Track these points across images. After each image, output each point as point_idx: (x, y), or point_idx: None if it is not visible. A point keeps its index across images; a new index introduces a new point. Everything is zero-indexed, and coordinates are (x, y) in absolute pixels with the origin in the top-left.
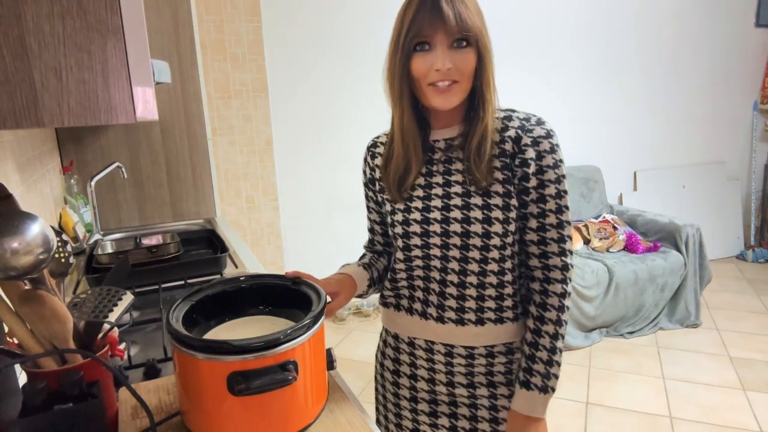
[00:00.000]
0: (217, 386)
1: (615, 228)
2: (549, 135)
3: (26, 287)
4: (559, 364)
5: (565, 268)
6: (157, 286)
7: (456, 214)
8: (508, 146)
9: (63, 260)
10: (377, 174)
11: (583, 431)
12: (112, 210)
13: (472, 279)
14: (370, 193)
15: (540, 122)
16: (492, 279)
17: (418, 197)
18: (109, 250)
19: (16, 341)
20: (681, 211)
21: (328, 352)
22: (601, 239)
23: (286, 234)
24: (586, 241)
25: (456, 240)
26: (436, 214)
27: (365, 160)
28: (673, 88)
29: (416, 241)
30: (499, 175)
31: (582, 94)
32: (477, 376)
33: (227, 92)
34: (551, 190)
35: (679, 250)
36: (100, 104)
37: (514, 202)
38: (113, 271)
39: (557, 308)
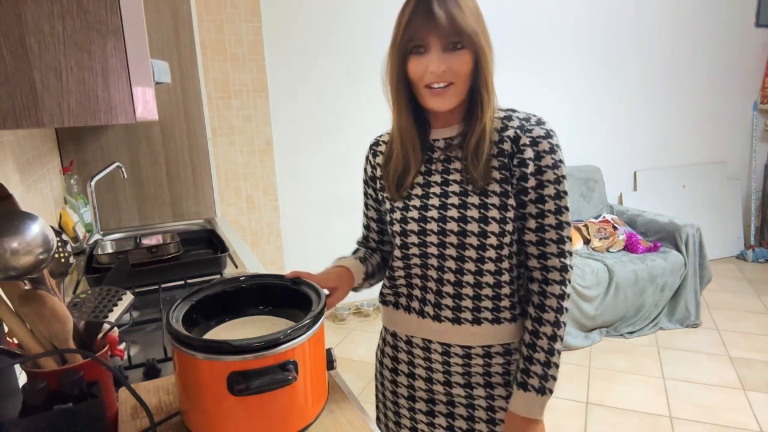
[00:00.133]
0: (217, 386)
1: (615, 228)
2: (548, 135)
3: (26, 287)
4: (557, 366)
5: (564, 269)
6: (157, 286)
7: (453, 212)
8: (507, 146)
9: (63, 260)
10: (378, 172)
11: (583, 431)
12: (112, 210)
13: (469, 278)
14: (370, 191)
15: (540, 122)
16: (489, 279)
17: (416, 196)
18: (109, 250)
19: (16, 341)
20: (681, 211)
21: (328, 352)
22: (601, 239)
23: (286, 234)
24: (586, 241)
25: (453, 239)
26: (433, 213)
27: (367, 158)
28: (673, 88)
29: (413, 239)
30: (497, 174)
31: (582, 94)
32: (474, 376)
33: (227, 92)
34: (550, 190)
35: (679, 250)
36: (100, 104)
37: (511, 201)
38: (113, 271)
39: (555, 309)
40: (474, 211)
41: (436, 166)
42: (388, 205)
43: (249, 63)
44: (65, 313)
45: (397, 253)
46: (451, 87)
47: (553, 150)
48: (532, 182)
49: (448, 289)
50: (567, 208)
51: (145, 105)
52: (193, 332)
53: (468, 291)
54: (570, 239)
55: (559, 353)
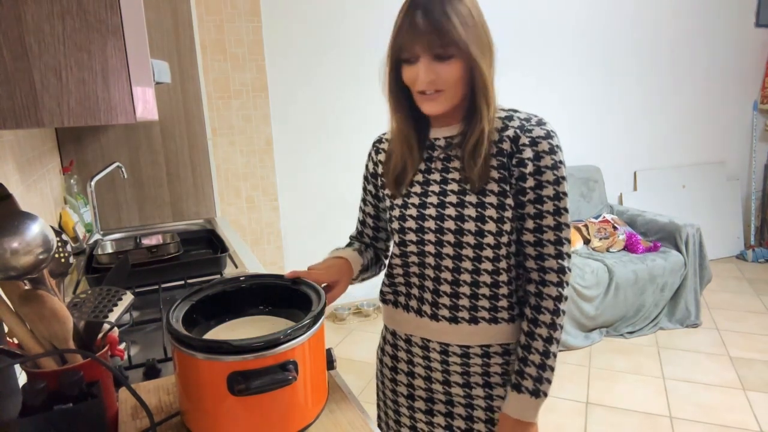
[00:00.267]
0: (217, 386)
1: (615, 228)
2: (549, 136)
3: (26, 287)
4: (552, 369)
5: (562, 270)
6: (157, 286)
7: (450, 211)
8: (506, 145)
9: (63, 260)
10: (380, 169)
11: (583, 431)
12: (112, 210)
13: (466, 277)
14: (370, 186)
15: (540, 123)
16: (486, 278)
17: (415, 193)
18: (109, 250)
19: (16, 341)
20: (681, 211)
21: (328, 352)
22: (601, 239)
23: (286, 234)
24: (586, 241)
25: (450, 237)
26: (431, 211)
27: (370, 155)
28: (673, 88)
29: (411, 236)
30: (495, 174)
31: (582, 94)
32: (473, 376)
33: (227, 92)
34: (549, 191)
35: (679, 250)
36: (100, 104)
37: (509, 201)
38: (113, 271)
39: (552, 311)
40: (471, 210)
41: (436, 164)
42: (387, 203)
43: (249, 63)
44: (65, 313)
45: (395, 250)
46: (441, 93)
47: (552, 151)
48: (530, 182)
49: (446, 288)
50: (566, 210)
51: (145, 105)
52: (193, 332)
53: (465, 290)
54: (569, 241)
55: (555, 356)
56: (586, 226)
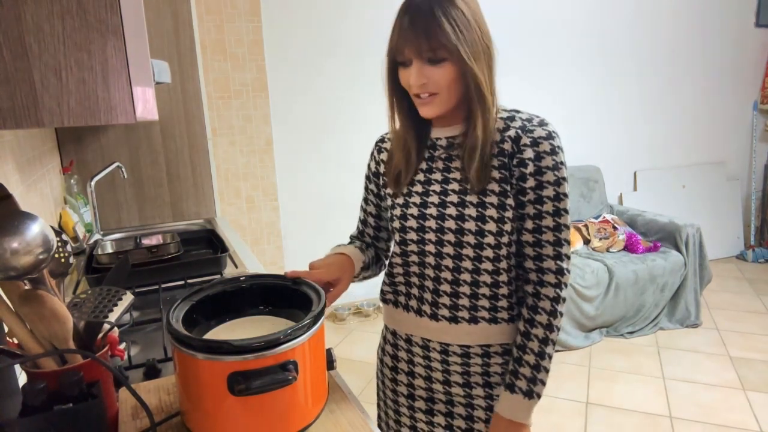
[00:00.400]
0: (218, 386)
1: (615, 228)
2: (550, 136)
3: (26, 287)
4: (547, 371)
5: (560, 272)
6: (157, 286)
7: (451, 210)
8: (507, 146)
9: (63, 260)
10: (382, 168)
11: (583, 431)
12: (112, 210)
13: (466, 277)
14: (372, 186)
15: (542, 123)
16: (486, 278)
17: (417, 193)
18: (109, 250)
19: (16, 341)
20: (681, 211)
21: (328, 352)
22: (601, 239)
23: (286, 234)
24: (586, 241)
25: (450, 237)
26: (432, 210)
27: (372, 154)
28: (673, 88)
29: (412, 235)
30: (496, 174)
31: (582, 95)
32: (473, 376)
33: (227, 92)
34: (549, 191)
35: (679, 250)
36: (100, 104)
37: (510, 201)
38: (113, 271)
39: (549, 312)
40: (472, 209)
41: (438, 164)
42: (389, 202)
43: (249, 63)
44: (65, 313)
45: (396, 249)
46: (435, 97)
47: (554, 151)
48: (531, 182)
49: (446, 287)
50: (566, 211)
51: (145, 105)
52: (193, 332)
53: (465, 290)
54: (568, 242)
55: (550, 357)
56: (586, 226)
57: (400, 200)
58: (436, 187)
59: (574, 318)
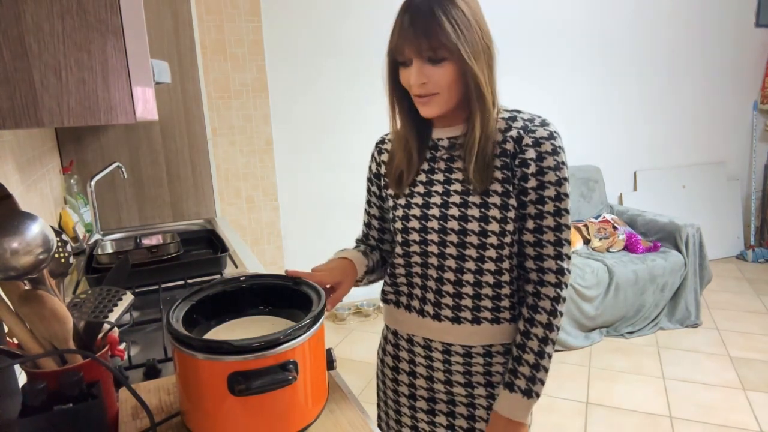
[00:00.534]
0: (218, 386)
1: (615, 228)
2: (552, 137)
3: (26, 287)
4: (546, 370)
5: (560, 272)
6: (157, 286)
7: (454, 211)
8: (509, 146)
9: (63, 260)
10: (383, 170)
11: (583, 431)
12: (112, 210)
13: (469, 277)
14: (374, 188)
15: (544, 123)
16: (489, 278)
17: (419, 193)
18: (109, 250)
19: (16, 341)
20: (681, 211)
21: (328, 352)
22: (601, 239)
23: (286, 234)
24: (586, 241)
25: (453, 237)
26: (434, 211)
27: (373, 155)
28: (673, 88)
29: (414, 236)
30: (498, 174)
31: (582, 95)
32: (475, 376)
33: (227, 92)
34: (551, 191)
35: (679, 250)
36: (99, 104)
37: (512, 202)
38: (113, 271)
39: (549, 312)
40: (475, 210)
41: (440, 165)
42: (391, 203)
43: (249, 63)
44: (65, 313)
45: (398, 250)
46: (435, 97)
47: (555, 151)
48: (532, 183)
49: (448, 288)
50: (567, 211)
51: (145, 105)
52: (193, 332)
53: (468, 290)
54: (569, 242)
55: (550, 357)
56: (586, 226)
57: (402, 201)
58: (438, 188)
59: (574, 318)
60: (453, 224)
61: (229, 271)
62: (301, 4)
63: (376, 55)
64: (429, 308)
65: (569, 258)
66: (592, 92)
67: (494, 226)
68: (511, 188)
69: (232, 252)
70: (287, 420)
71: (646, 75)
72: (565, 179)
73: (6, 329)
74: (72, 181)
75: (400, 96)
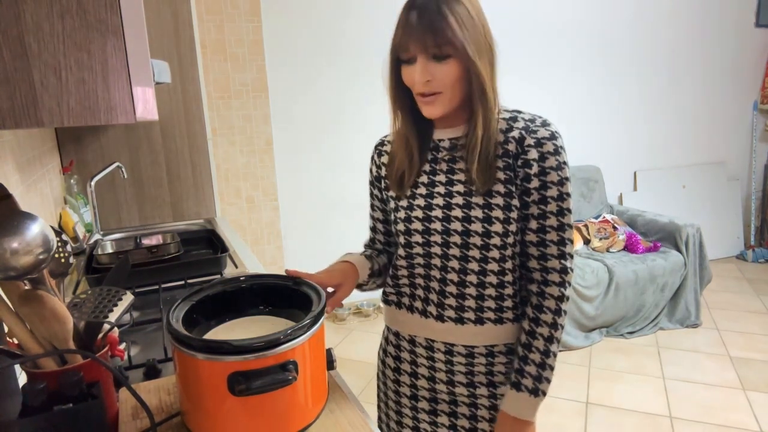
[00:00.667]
0: (218, 386)
1: (615, 228)
2: (553, 137)
3: (26, 287)
4: (552, 369)
5: (564, 271)
6: (157, 286)
7: (457, 212)
8: (512, 147)
9: (63, 260)
10: (383, 172)
11: (583, 431)
12: (112, 210)
13: (473, 278)
14: (376, 191)
15: (545, 123)
16: (492, 279)
17: (421, 195)
18: (109, 250)
19: (16, 341)
20: (681, 211)
21: (328, 352)
22: (601, 239)
23: (286, 234)
24: (586, 241)
25: (456, 238)
26: (437, 212)
27: (372, 158)
28: (673, 88)
29: (417, 238)
30: (501, 175)
31: (582, 95)
32: (477, 376)
33: (227, 92)
34: (553, 191)
35: (679, 250)
36: (99, 104)
37: (515, 202)
38: (113, 271)
39: (553, 311)
40: (478, 211)
41: (441, 166)
42: (392, 205)
43: (249, 63)
44: (65, 314)
45: (401, 252)
46: (438, 96)
47: (557, 151)
48: (535, 183)
49: (452, 289)
50: (569, 210)
51: (145, 105)
52: (193, 332)
53: (471, 291)
54: (571, 241)
55: (555, 356)
56: (586, 226)
57: (403, 203)
58: (441, 189)
59: (574, 318)
60: (456, 225)
61: (229, 271)
62: (301, 4)
63: (376, 55)
64: (432, 309)
65: (572, 257)
66: (592, 92)
67: (497, 227)
68: (513, 189)
69: (232, 252)
70: (287, 420)
71: (646, 75)
72: (567, 179)
73: (6, 329)
74: (72, 181)
75: (402, 95)
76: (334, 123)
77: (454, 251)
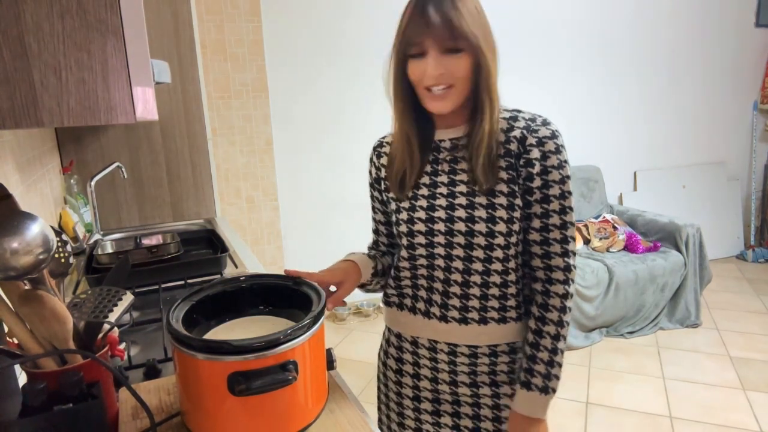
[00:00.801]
0: (218, 386)
1: (615, 228)
2: (554, 135)
3: (26, 287)
4: (560, 366)
5: (568, 268)
6: (157, 286)
7: (460, 213)
8: (513, 146)
9: (63, 260)
10: (383, 173)
11: (583, 431)
12: (112, 210)
13: (476, 278)
14: (376, 193)
15: (545, 123)
16: (496, 278)
17: (423, 196)
18: (109, 250)
19: (16, 341)
20: (681, 211)
21: (328, 352)
22: (601, 239)
23: (286, 234)
24: (586, 241)
25: (460, 239)
26: (440, 213)
27: (371, 160)
28: (673, 88)
29: (420, 239)
30: (503, 174)
31: (582, 95)
32: (480, 375)
33: (227, 92)
34: (555, 190)
35: (679, 250)
36: (99, 104)
37: (518, 201)
38: (113, 271)
39: (559, 309)
40: (482, 211)
41: (443, 166)
42: (393, 206)
43: (249, 63)
44: (65, 314)
45: (403, 253)
46: (450, 90)
47: (558, 150)
48: (537, 182)
49: (455, 289)
50: (571, 209)
51: (145, 105)
52: (193, 332)
53: (475, 291)
54: (574, 239)
55: (563, 352)
56: (586, 226)
57: (405, 204)
58: (443, 190)
59: (574, 318)
60: (460, 226)
61: (229, 271)
62: (301, 4)
63: (376, 55)
64: (435, 310)
65: (575, 254)
66: (592, 92)
67: (501, 227)
68: (516, 188)
69: (232, 252)
70: (287, 420)
71: (646, 75)
72: (568, 177)
73: (6, 329)
74: (72, 181)
75: (405, 93)
76: (334, 123)
77: (458, 251)
